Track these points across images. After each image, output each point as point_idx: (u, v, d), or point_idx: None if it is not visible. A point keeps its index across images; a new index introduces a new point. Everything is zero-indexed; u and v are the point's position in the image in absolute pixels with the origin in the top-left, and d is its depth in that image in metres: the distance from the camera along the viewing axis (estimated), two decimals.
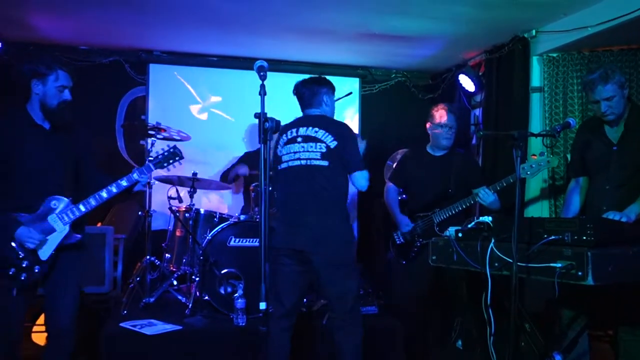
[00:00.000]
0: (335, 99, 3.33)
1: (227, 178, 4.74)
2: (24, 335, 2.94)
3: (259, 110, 2.30)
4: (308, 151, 3.03)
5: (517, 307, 2.32)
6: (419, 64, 5.62)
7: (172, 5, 4.07)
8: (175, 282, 4.25)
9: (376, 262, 5.16)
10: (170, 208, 4.20)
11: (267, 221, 2.27)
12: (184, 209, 4.26)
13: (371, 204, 5.40)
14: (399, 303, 4.02)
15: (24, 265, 2.55)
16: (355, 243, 3.14)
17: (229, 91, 5.50)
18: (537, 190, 4.35)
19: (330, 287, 3.00)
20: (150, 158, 2.89)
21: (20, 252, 2.55)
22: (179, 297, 4.13)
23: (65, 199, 2.64)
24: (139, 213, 4.85)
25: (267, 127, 2.30)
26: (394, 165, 4.36)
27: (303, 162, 3.04)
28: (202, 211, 4.26)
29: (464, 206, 3.54)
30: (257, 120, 2.31)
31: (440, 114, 3.80)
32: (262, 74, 2.33)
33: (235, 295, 3.75)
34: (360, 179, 3.04)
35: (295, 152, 3.07)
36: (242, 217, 4.12)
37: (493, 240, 2.42)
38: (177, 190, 4.28)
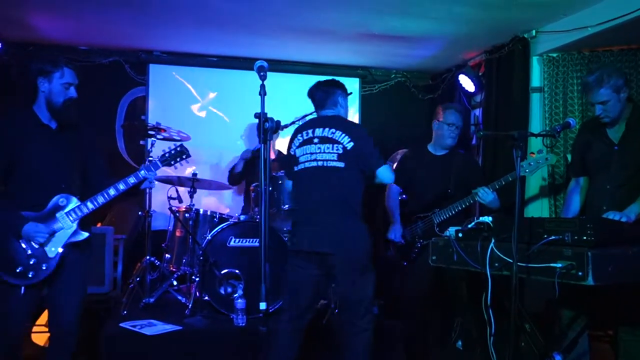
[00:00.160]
0: None
1: (234, 175, 4.73)
2: (24, 335, 2.92)
3: (258, 110, 2.31)
4: (325, 152, 3.02)
5: (517, 307, 2.32)
6: (418, 64, 5.61)
7: (172, 5, 4.07)
8: (175, 283, 4.25)
9: (376, 262, 5.15)
10: (170, 208, 4.20)
11: (267, 221, 2.27)
12: (183, 209, 4.26)
13: (371, 205, 5.39)
14: (399, 303, 4.02)
15: (31, 262, 2.56)
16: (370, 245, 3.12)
17: (229, 91, 5.49)
18: (537, 189, 4.35)
19: (349, 290, 2.96)
20: (150, 157, 2.90)
21: (28, 250, 2.55)
22: (179, 298, 4.13)
23: (73, 196, 2.66)
24: (139, 213, 4.85)
25: (267, 127, 2.30)
26: (394, 166, 4.35)
27: (320, 163, 3.02)
28: (202, 211, 4.26)
29: (463, 206, 3.54)
30: (256, 120, 2.31)
31: (448, 113, 3.80)
32: (262, 74, 2.33)
33: (235, 295, 3.75)
34: (385, 173, 3.06)
35: (311, 153, 3.05)
36: (242, 217, 4.12)
37: (493, 241, 2.42)
38: (177, 191, 4.28)
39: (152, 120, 4.96)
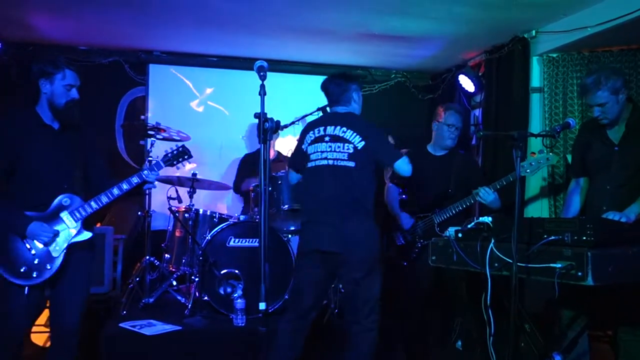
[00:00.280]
0: None
1: (241, 189, 4.73)
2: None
3: (258, 110, 2.30)
4: (335, 151, 3.00)
5: (516, 308, 2.32)
6: (418, 65, 5.61)
7: (172, 5, 4.07)
8: (174, 283, 4.25)
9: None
10: (169, 208, 4.20)
11: (267, 221, 2.27)
12: (183, 209, 4.25)
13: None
14: (399, 303, 4.02)
15: (35, 262, 2.56)
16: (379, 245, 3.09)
17: (229, 91, 5.49)
18: (537, 189, 4.35)
19: (355, 290, 2.94)
20: (150, 157, 2.90)
21: (32, 250, 2.55)
22: (179, 298, 4.12)
23: (77, 196, 2.66)
24: (139, 213, 4.85)
25: (267, 127, 2.30)
26: None
27: (330, 162, 3.00)
28: (201, 211, 4.26)
29: (464, 206, 3.53)
30: (256, 120, 2.31)
31: (448, 114, 3.80)
32: (262, 74, 2.33)
33: (235, 295, 3.75)
34: (403, 166, 3.02)
35: (322, 152, 3.04)
36: (242, 217, 4.12)
37: (493, 241, 2.42)
38: (176, 191, 4.28)
39: (151, 120, 4.96)
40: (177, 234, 4.33)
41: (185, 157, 2.97)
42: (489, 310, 2.49)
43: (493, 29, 4.39)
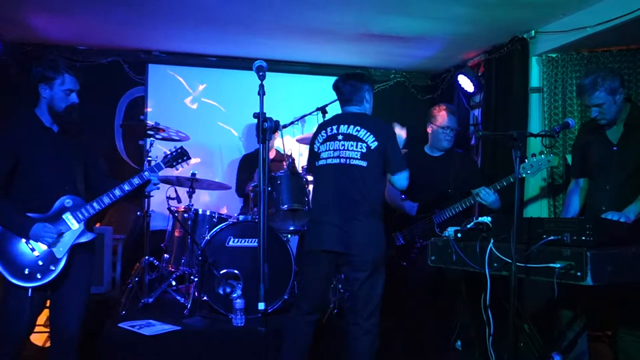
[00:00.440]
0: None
1: (245, 192, 4.72)
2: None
3: (257, 110, 2.30)
4: (348, 150, 2.99)
5: (516, 308, 2.32)
6: (418, 65, 5.62)
7: (171, 5, 4.07)
8: (173, 283, 4.25)
9: None
10: (169, 208, 4.19)
11: (266, 221, 2.27)
12: (182, 209, 4.25)
13: None
14: (398, 303, 4.01)
15: (39, 264, 2.55)
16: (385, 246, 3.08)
17: (230, 91, 5.48)
18: (537, 190, 4.35)
19: (357, 290, 2.93)
20: (149, 158, 2.90)
21: (35, 251, 2.55)
22: (178, 298, 4.12)
23: (79, 197, 2.66)
24: (138, 213, 4.85)
25: (266, 127, 2.30)
26: None
27: (342, 160, 3.00)
28: (200, 211, 4.26)
29: (464, 206, 3.53)
30: (255, 121, 2.30)
31: (442, 116, 3.79)
32: (261, 73, 2.33)
33: (234, 295, 3.75)
34: (401, 179, 3.03)
35: (335, 150, 3.03)
36: (241, 217, 4.11)
37: (492, 241, 2.42)
38: (175, 191, 4.28)
39: (151, 120, 4.96)
40: (177, 234, 4.33)
41: (185, 158, 3.01)
42: (488, 310, 2.49)
43: (492, 29, 4.39)
